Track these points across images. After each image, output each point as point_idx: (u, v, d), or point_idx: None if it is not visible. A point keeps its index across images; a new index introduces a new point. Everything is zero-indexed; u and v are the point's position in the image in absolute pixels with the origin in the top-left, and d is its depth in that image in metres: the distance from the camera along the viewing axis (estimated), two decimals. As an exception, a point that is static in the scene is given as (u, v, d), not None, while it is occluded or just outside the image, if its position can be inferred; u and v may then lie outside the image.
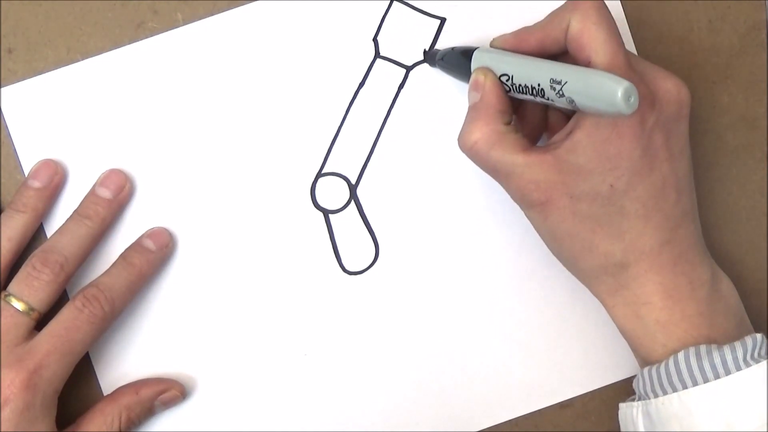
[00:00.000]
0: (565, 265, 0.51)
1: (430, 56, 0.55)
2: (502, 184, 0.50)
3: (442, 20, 0.55)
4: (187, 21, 0.54)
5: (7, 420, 0.48)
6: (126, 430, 0.52)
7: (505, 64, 0.49)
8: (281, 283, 0.55)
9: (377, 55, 0.55)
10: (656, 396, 0.48)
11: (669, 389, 0.47)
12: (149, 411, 0.53)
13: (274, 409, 0.55)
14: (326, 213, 0.55)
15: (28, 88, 0.54)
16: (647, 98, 0.47)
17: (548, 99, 0.47)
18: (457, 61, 0.52)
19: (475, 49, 0.51)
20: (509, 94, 0.49)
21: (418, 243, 0.55)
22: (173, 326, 0.54)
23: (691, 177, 0.50)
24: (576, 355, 0.56)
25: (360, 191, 0.55)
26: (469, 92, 0.50)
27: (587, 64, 0.47)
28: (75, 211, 0.53)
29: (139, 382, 0.53)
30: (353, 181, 0.55)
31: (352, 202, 0.55)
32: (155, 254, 0.53)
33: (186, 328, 0.54)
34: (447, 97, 0.55)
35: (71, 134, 0.54)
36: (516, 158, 0.48)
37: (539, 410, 0.55)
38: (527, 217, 0.50)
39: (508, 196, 0.50)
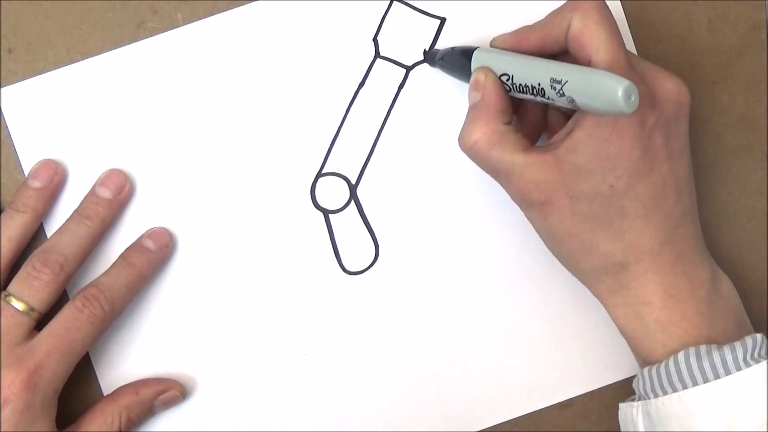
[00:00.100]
0: (564, 265, 0.51)
1: (430, 56, 0.55)
2: (502, 184, 0.50)
3: (442, 20, 0.55)
4: (187, 21, 0.54)
5: (7, 420, 0.48)
6: (126, 430, 0.52)
7: (506, 63, 0.49)
8: (281, 283, 0.55)
9: (377, 55, 0.55)
10: (656, 396, 0.48)
11: (669, 389, 0.47)
12: (149, 411, 0.53)
13: (274, 409, 0.55)
14: (326, 213, 0.55)
15: (28, 88, 0.54)
16: (647, 98, 0.47)
17: (549, 98, 0.47)
18: (457, 61, 0.52)
19: (475, 48, 0.51)
20: (509, 93, 0.49)
21: (418, 243, 0.55)
22: (173, 326, 0.54)
23: (691, 177, 0.50)
24: (576, 355, 0.55)
25: (360, 191, 0.55)
26: (469, 92, 0.50)
27: (588, 64, 0.46)
28: (75, 211, 0.53)
29: (139, 382, 0.53)
30: (353, 181, 0.55)
31: (352, 202, 0.55)
32: (155, 254, 0.53)
33: (186, 328, 0.54)
34: (447, 97, 0.55)
35: (71, 134, 0.54)
36: (516, 158, 0.48)
37: (539, 410, 0.55)
38: (527, 217, 0.50)
39: (508, 196, 0.50)
